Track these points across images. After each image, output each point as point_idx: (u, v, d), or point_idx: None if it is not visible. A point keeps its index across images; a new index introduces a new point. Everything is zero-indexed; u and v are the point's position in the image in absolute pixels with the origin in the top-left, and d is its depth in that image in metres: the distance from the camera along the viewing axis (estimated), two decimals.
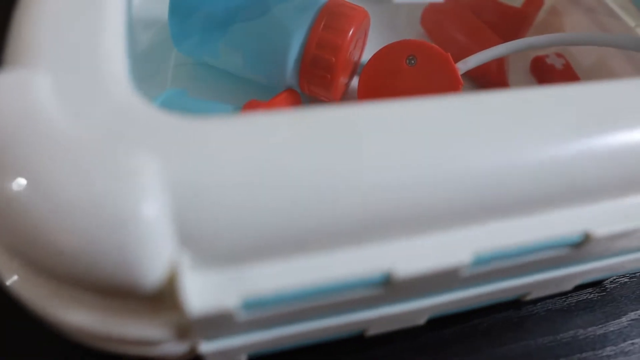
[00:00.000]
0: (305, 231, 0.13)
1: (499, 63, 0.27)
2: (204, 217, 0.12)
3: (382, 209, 0.13)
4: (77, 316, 0.14)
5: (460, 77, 0.23)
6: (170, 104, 0.22)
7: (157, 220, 0.12)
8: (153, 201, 0.12)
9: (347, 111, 0.14)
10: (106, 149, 0.13)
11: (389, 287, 0.14)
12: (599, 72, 0.28)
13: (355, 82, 0.27)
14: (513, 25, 0.29)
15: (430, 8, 0.29)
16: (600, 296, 0.22)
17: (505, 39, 0.29)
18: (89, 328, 0.14)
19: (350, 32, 0.22)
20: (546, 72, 0.28)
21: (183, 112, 0.22)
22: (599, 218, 0.15)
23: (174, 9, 0.23)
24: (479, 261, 0.14)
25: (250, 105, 0.21)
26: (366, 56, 0.26)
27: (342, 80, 0.24)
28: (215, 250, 0.13)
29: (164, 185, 0.12)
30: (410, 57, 0.24)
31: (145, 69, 0.27)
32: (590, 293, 0.22)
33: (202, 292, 0.13)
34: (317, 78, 0.23)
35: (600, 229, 0.15)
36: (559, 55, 0.29)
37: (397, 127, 0.14)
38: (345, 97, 0.26)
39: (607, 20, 0.27)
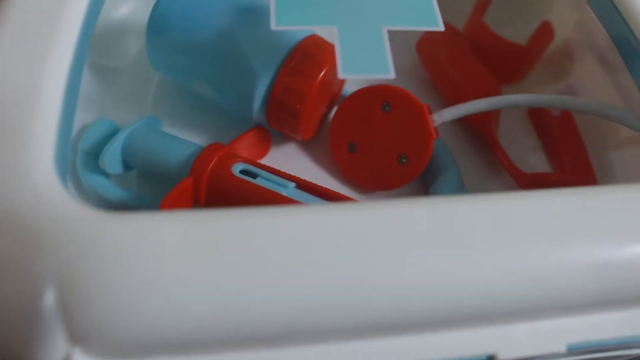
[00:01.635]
0: (198, 336, 0.13)
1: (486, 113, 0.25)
2: (92, 317, 0.13)
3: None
4: None
5: (433, 129, 0.22)
6: (136, 137, 0.22)
7: (49, 317, 0.13)
8: (46, 299, 0.13)
9: (250, 217, 0.14)
10: (11, 244, 0.13)
11: None
12: (600, 120, 0.26)
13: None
14: (515, 63, 0.27)
15: (427, 36, 0.28)
16: None
17: (506, 76, 0.28)
18: None
19: (319, 78, 0.22)
20: (542, 116, 0.27)
21: (145, 148, 0.22)
22: (509, 341, 0.15)
23: (151, 35, 0.23)
24: None
25: (212, 148, 0.21)
26: (349, 86, 0.25)
27: (314, 117, 0.24)
28: (104, 346, 0.13)
29: (58, 283, 0.13)
30: (385, 104, 0.23)
31: (129, 84, 0.27)
32: None
33: None
34: (284, 121, 0.23)
35: (506, 353, 0.14)
36: None
37: (287, 237, 0.14)
38: (321, 129, 0.25)
39: (615, 68, 0.25)
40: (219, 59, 0.22)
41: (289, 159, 0.25)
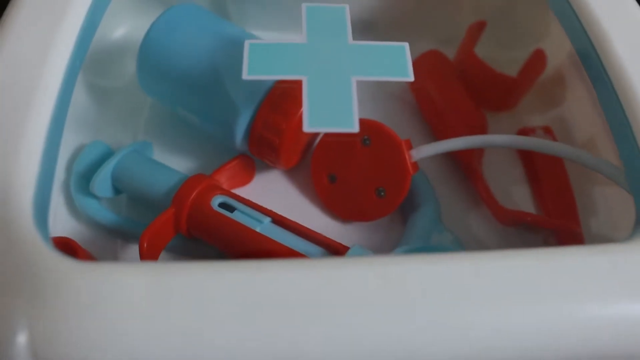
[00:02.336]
0: None
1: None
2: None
3: None
4: None
5: (410, 166, 0.23)
6: (125, 165, 0.23)
7: (21, 356, 0.14)
8: (18, 339, 0.14)
9: (208, 272, 0.15)
10: None
11: None
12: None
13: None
14: (505, 94, 0.27)
15: (416, 63, 0.28)
16: None
17: (496, 105, 0.28)
18: None
19: (298, 114, 0.22)
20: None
21: (133, 176, 0.23)
22: None
23: (141, 62, 0.24)
24: None
25: (194, 180, 0.22)
26: None
27: (296, 149, 0.24)
28: None
29: (30, 326, 0.14)
30: (366, 138, 0.23)
31: (124, 104, 0.28)
32: None
33: None
34: (264, 153, 0.23)
35: None
36: (547, 131, 0.27)
37: (242, 293, 0.14)
38: (306, 156, 0.26)
39: None
40: (204, 91, 0.23)
41: (273, 185, 0.25)
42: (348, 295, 0.15)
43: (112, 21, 0.29)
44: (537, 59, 0.27)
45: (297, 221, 0.24)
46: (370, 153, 0.23)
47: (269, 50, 0.19)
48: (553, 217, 0.25)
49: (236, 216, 0.21)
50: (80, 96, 0.27)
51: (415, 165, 0.23)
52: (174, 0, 0.30)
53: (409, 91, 0.29)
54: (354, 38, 0.31)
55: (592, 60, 0.21)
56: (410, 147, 0.23)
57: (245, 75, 0.18)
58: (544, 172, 0.26)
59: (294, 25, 0.30)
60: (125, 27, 0.30)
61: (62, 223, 0.24)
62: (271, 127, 0.22)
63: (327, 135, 0.24)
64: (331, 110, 0.17)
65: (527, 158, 0.27)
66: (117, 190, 0.24)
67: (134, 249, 0.24)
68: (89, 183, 0.24)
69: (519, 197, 0.26)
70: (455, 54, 0.29)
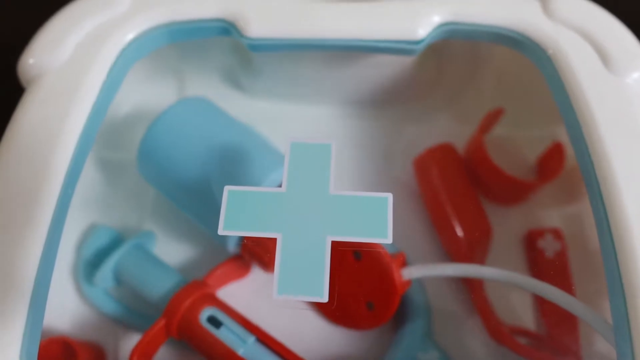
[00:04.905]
0: None
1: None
2: None
3: None
4: None
5: (399, 285, 0.22)
6: (125, 261, 0.24)
7: None
8: None
9: None
10: None
11: None
12: (593, 270, 0.25)
13: None
14: (513, 194, 0.26)
15: (423, 156, 0.27)
16: None
17: (505, 201, 0.27)
18: None
19: None
20: (535, 253, 0.25)
21: (131, 277, 0.24)
22: None
23: (141, 160, 0.25)
24: None
25: (186, 291, 0.23)
26: None
27: None
28: None
29: None
30: (357, 251, 0.23)
31: (133, 181, 0.28)
32: None
33: None
34: (256, 263, 0.23)
35: None
36: (557, 236, 0.25)
37: None
38: None
39: None
40: (197, 197, 0.23)
41: (269, 281, 0.26)
42: None
43: (123, 93, 0.30)
44: (555, 155, 0.26)
45: (290, 320, 0.25)
46: (361, 267, 0.23)
47: (247, 199, 0.18)
48: (551, 326, 0.24)
49: (222, 333, 0.22)
50: (90, 172, 0.28)
51: (406, 282, 0.23)
52: (184, 71, 0.30)
53: (415, 179, 0.28)
54: (371, 113, 0.30)
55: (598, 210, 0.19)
56: (403, 263, 0.23)
57: (221, 231, 0.18)
58: (548, 278, 0.25)
59: (298, 97, 0.30)
60: (136, 98, 0.30)
61: (71, 305, 0.26)
62: (261, 244, 0.22)
63: None
64: (302, 275, 0.17)
65: (533, 260, 0.26)
66: (119, 281, 0.25)
67: (135, 337, 0.25)
68: (94, 270, 0.25)
69: (519, 301, 0.25)
70: (466, 144, 0.27)
